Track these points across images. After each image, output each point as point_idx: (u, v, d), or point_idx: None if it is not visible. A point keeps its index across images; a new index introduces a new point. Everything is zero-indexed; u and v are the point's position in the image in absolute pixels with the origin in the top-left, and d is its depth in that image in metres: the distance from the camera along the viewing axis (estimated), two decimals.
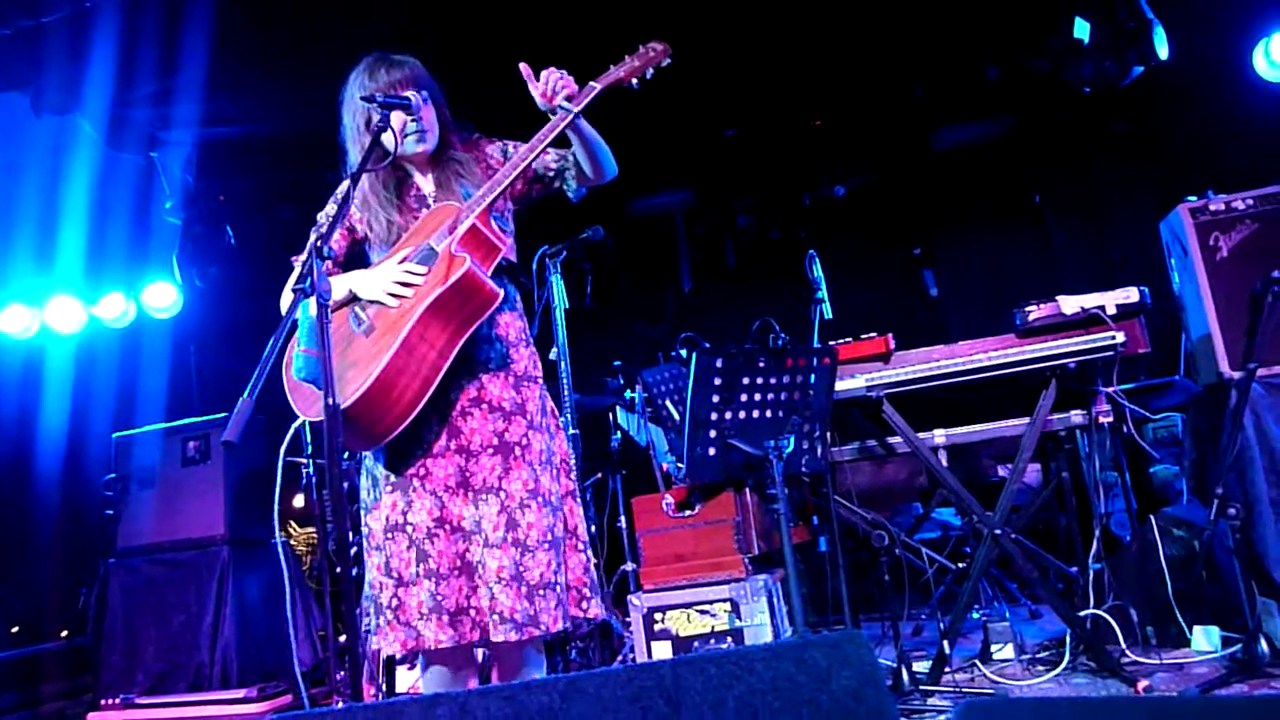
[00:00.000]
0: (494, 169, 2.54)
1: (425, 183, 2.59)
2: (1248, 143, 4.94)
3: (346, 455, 3.08)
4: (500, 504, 2.34)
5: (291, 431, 2.54)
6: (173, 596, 4.48)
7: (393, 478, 2.40)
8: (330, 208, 2.63)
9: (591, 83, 2.44)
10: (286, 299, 2.60)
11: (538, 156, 2.44)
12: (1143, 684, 3.00)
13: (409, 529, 2.35)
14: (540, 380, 2.55)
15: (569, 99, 2.38)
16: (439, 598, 2.31)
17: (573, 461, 2.63)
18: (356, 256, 2.60)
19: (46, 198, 5.54)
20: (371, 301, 2.42)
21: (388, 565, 2.35)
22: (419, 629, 2.30)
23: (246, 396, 1.94)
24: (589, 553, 2.54)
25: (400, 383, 2.27)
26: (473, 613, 2.34)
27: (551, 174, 2.60)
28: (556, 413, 2.62)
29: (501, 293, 2.38)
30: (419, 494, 2.37)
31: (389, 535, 2.37)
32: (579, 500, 2.59)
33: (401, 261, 2.42)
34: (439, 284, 2.29)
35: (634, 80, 2.46)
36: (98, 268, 6.14)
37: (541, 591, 2.30)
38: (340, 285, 2.46)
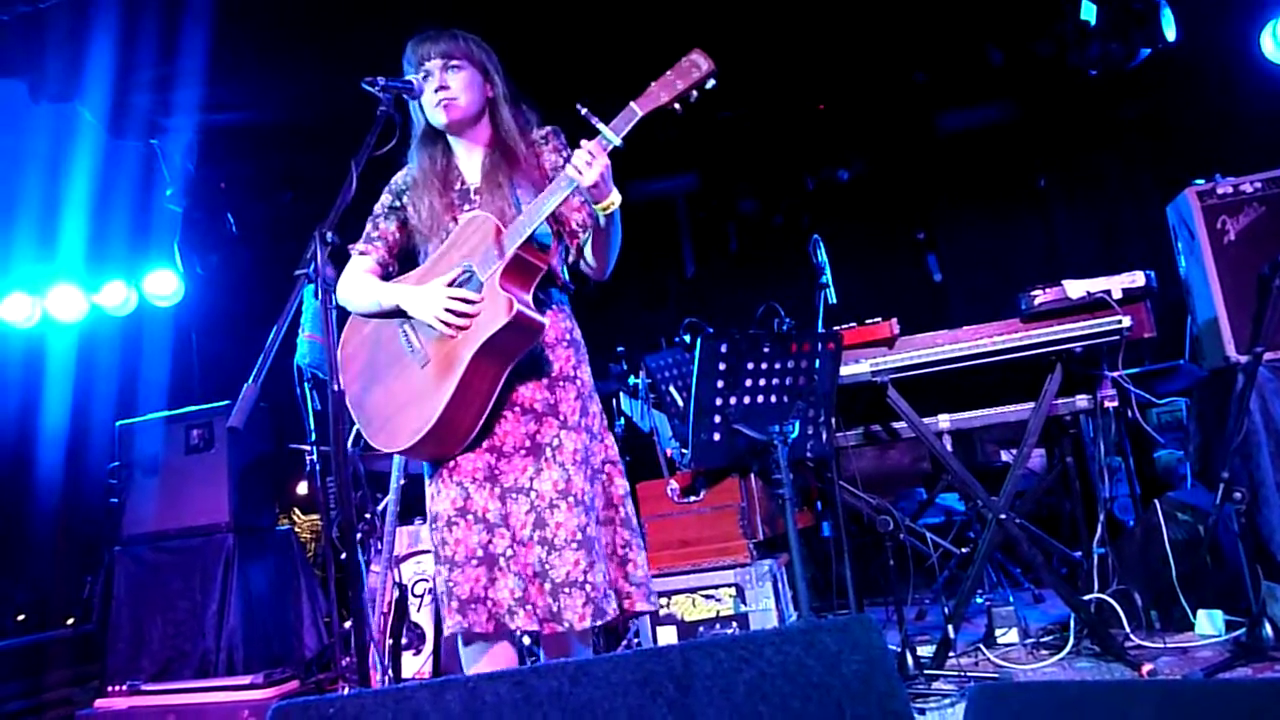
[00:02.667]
0: (548, 177, 2.48)
1: (471, 170, 2.55)
2: (1255, 125, 4.91)
3: (350, 443, 3.12)
4: (530, 504, 2.36)
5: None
6: (178, 584, 4.49)
7: (429, 471, 2.48)
8: (386, 197, 2.61)
9: (632, 105, 2.30)
10: (347, 290, 2.55)
11: (572, 193, 2.33)
12: (1147, 667, 3.00)
13: (436, 519, 2.42)
14: (580, 380, 2.49)
15: (611, 128, 2.29)
16: (451, 584, 2.36)
17: (618, 474, 2.55)
18: (412, 251, 2.57)
19: (47, 186, 5.52)
20: (422, 322, 2.41)
21: (436, 552, 2.42)
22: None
23: (251, 383, 1.95)
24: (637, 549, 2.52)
25: (458, 417, 2.35)
26: (489, 604, 2.34)
27: (574, 227, 2.51)
28: (603, 415, 2.57)
29: (546, 322, 2.38)
30: (446, 484, 2.42)
31: (433, 525, 2.43)
32: (624, 506, 2.54)
33: (450, 283, 2.40)
34: (490, 327, 2.29)
35: (677, 105, 2.31)
36: (99, 256, 6.12)
37: (567, 589, 2.28)
38: (389, 296, 2.45)
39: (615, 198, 2.33)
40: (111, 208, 5.88)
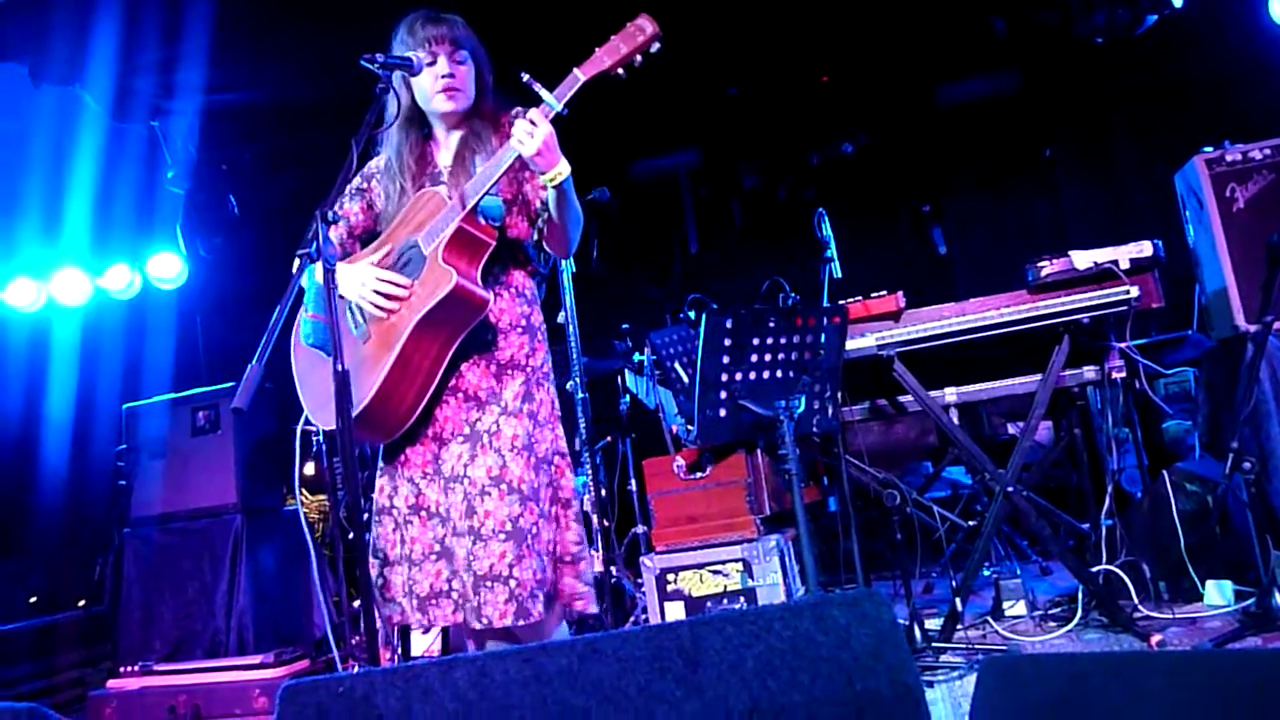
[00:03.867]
0: None
1: (444, 153, 2.54)
2: (1264, 91, 4.86)
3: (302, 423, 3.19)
4: (464, 492, 2.32)
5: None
6: (187, 565, 4.50)
7: (382, 463, 2.47)
8: (356, 179, 2.61)
9: (575, 71, 2.28)
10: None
11: (515, 161, 2.29)
12: (1156, 639, 3.01)
13: (394, 512, 2.41)
14: (530, 367, 2.45)
15: (555, 95, 2.25)
16: (411, 582, 2.36)
17: (567, 468, 2.49)
18: (378, 233, 2.56)
19: (50, 170, 5.50)
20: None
21: (374, 545, 2.41)
22: (402, 605, 2.37)
23: (255, 363, 1.94)
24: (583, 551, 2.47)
25: (399, 392, 2.32)
26: (455, 595, 2.33)
27: (538, 206, 2.48)
28: (555, 406, 2.52)
29: (490, 298, 2.34)
30: (399, 480, 2.42)
31: (378, 517, 2.42)
32: (577, 501, 2.51)
33: (385, 254, 2.41)
34: (428, 299, 2.27)
35: (621, 70, 2.28)
36: (103, 240, 6.11)
37: (489, 583, 2.24)
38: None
39: (563, 167, 2.28)
40: (114, 191, 5.86)
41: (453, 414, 2.39)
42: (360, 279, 2.38)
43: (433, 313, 2.28)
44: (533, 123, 2.23)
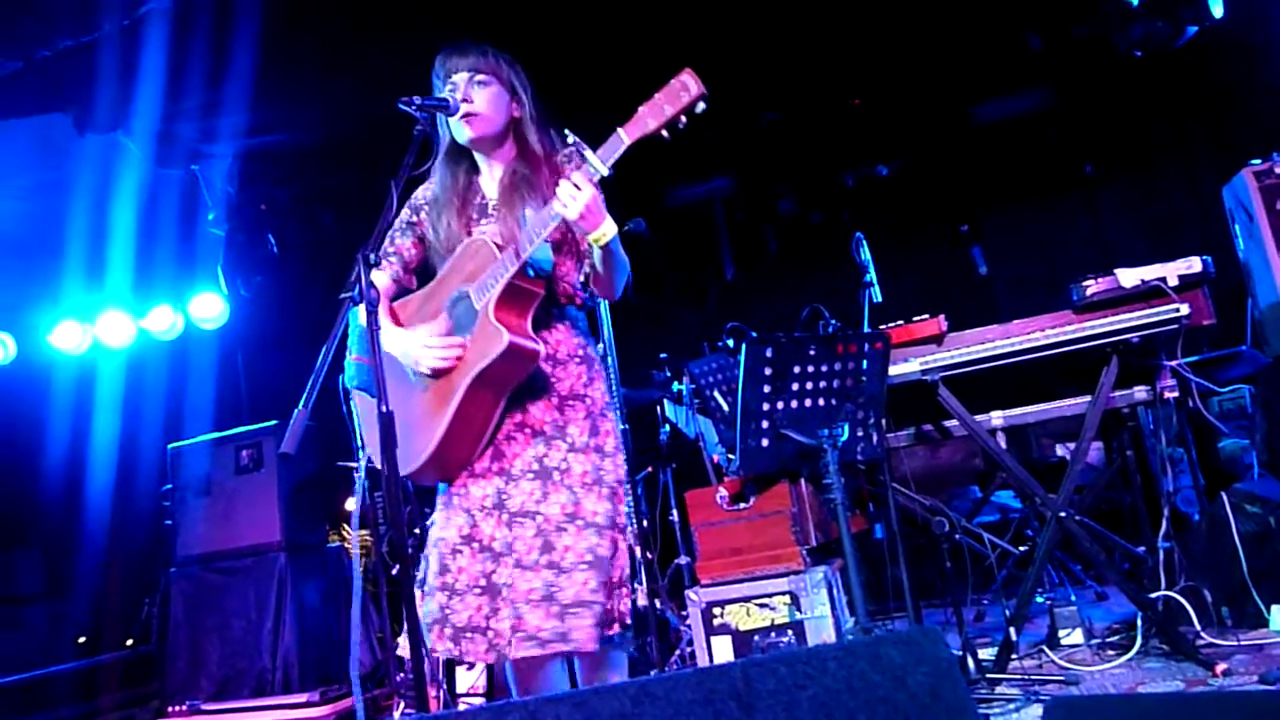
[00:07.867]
0: None
1: (490, 185, 2.54)
2: None
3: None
4: (537, 528, 2.34)
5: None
6: (233, 603, 4.53)
7: (441, 495, 2.48)
8: (405, 213, 2.63)
9: (619, 132, 2.24)
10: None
11: (560, 221, 2.28)
12: (1221, 667, 2.90)
13: (440, 544, 2.40)
14: (590, 398, 2.47)
15: (599, 156, 2.23)
16: (446, 611, 2.34)
17: (625, 495, 2.52)
18: (431, 266, 2.58)
19: (94, 215, 5.62)
20: None
21: (421, 576, 2.43)
22: (429, 636, 2.35)
23: (302, 408, 1.95)
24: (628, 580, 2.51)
25: (458, 442, 2.39)
26: (490, 634, 2.32)
27: (586, 246, 2.47)
28: (618, 434, 2.54)
29: (542, 349, 2.36)
30: (454, 511, 2.42)
31: (429, 548, 2.44)
32: (631, 525, 2.57)
33: (437, 321, 2.45)
34: (482, 360, 2.31)
35: (665, 132, 2.23)
36: (145, 282, 6.23)
37: (575, 610, 2.27)
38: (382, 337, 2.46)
39: (607, 228, 2.27)
40: (156, 234, 5.97)
41: (520, 450, 2.40)
42: (414, 346, 2.41)
43: (487, 370, 2.32)
44: (577, 186, 2.21)
